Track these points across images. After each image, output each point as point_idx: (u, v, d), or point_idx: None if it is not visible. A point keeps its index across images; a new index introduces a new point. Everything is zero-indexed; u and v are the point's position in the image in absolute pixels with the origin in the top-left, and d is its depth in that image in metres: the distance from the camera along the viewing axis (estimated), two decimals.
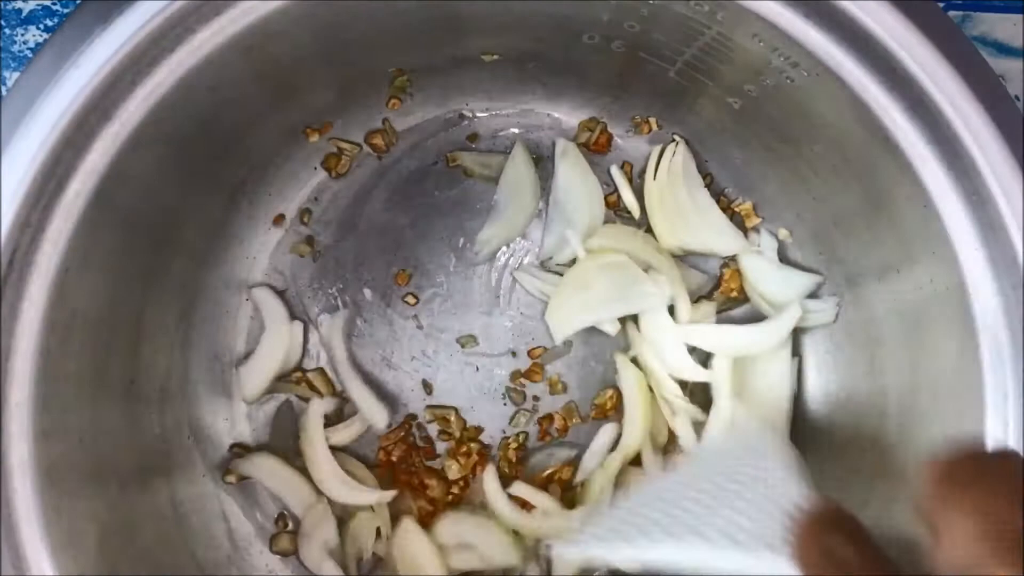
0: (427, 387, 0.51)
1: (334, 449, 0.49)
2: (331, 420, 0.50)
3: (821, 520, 0.28)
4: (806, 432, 0.49)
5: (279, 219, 0.51)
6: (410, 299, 0.51)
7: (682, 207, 0.49)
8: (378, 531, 0.49)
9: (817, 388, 0.49)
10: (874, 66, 0.35)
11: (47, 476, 0.35)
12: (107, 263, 0.38)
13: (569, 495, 0.50)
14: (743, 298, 0.51)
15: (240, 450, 0.50)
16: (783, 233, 0.50)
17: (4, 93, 0.45)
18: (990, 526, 0.23)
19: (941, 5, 0.51)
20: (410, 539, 0.48)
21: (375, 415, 0.50)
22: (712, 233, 0.50)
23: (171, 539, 0.45)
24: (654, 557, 0.31)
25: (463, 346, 0.51)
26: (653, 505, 0.33)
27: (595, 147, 0.52)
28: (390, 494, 0.48)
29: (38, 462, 0.34)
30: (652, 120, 0.51)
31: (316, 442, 0.49)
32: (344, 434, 0.50)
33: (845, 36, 0.35)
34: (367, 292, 0.51)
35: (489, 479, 0.49)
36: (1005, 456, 0.24)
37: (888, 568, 0.25)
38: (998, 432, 0.34)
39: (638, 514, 0.33)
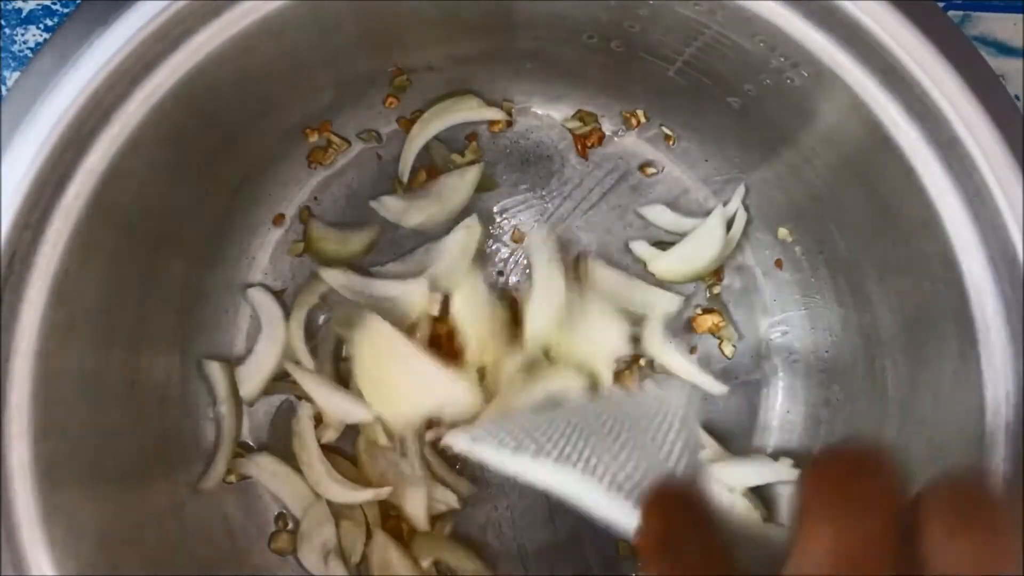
0: None
1: (327, 449, 0.49)
2: (320, 419, 0.50)
3: (677, 493, 0.28)
4: (803, 435, 0.49)
5: (279, 219, 0.51)
6: None
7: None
8: (368, 532, 0.49)
9: (817, 390, 0.49)
10: (874, 66, 0.35)
11: (47, 476, 0.35)
12: (107, 264, 0.38)
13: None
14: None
15: (240, 450, 0.50)
16: (783, 233, 0.50)
17: (4, 93, 0.45)
18: (842, 541, 0.22)
19: (941, 5, 0.51)
20: (387, 551, 0.49)
21: (356, 412, 0.49)
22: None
23: (171, 539, 0.45)
24: (528, 472, 0.33)
25: None
26: (547, 426, 0.34)
27: (589, 143, 0.52)
28: (386, 490, 0.48)
29: (38, 462, 0.34)
30: (640, 113, 0.51)
31: (308, 444, 0.49)
32: (331, 432, 0.50)
33: (845, 36, 0.35)
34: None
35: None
36: (878, 457, 0.23)
37: (719, 566, 0.25)
38: (998, 436, 0.34)
39: (531, 430, 0.34)
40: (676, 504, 0.27)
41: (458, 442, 0.36)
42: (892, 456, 0.23)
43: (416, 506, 0.49)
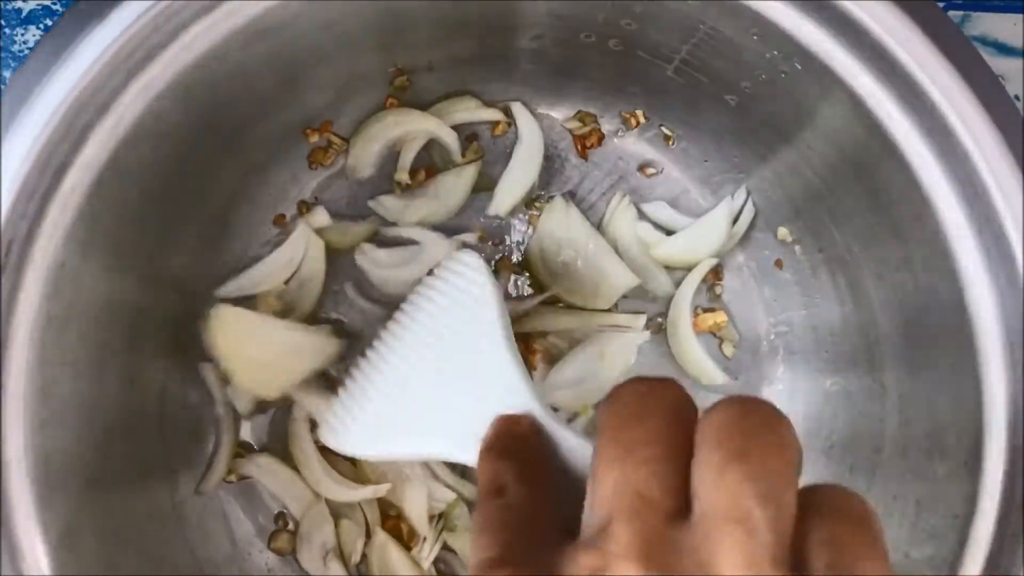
0: None
1: (325, 449, 0.49)
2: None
3: (509, 433, 0.28)
4: (804, 432, 0.49)
5: (279, 219, 0.51)
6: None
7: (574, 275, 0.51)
8: (367, 531, 0.49)
9: (817, 388, 0.49)
10: (872, 64, 0.35)
11: (46, 475, 0.35)
12: (104, 258, 0.38)
13: None
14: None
15: (240, 450, 0.50)
16: (782, 232, 0.50)
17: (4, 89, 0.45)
18: (624, 481, 0.21)
19: (941, 5, 0.51)
20: (387, 551, 0.49)
21: None
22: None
23: (171, 538, 0.45)
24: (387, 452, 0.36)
25: None
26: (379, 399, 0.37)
27: (589, 143, 0.52)
28: (384, 487, 0.48)
29: (35, 454, 0.34)
30: (639, 113, 0.51)
31: (305, 445, 0.49)
32: None
33: (843, 34, 0.35)
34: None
35: None
36: (775, 414, 0.22)
37: (544, 509, 0.24)
38: (996, 433, 0.34)
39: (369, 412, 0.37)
40: (509, 448, 0.27)
41: (327, 441, 0.39)
42: (677, 386, 0.23)
43: (416, 507, 0.49)
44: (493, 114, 0.51)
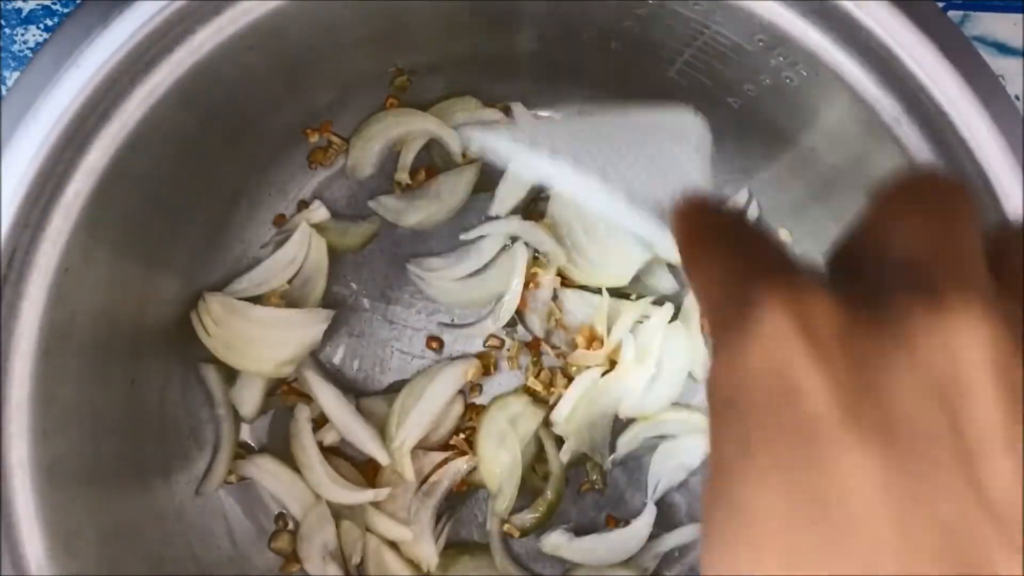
0: None
1: (326, 450, 0.49)
2: (321, 421, 0.50)
3: (707, 204, 0.25)
4: None
5: (280, 219, 0.51)
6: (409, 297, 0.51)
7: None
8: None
9: None
10: (873, 66, 0.35)
11: (47, 476, 0.35)
12: (107, 263, 0.38)
13: None
14: None
15: (240, 451, 0.50)
16: (784, 233, 0.50)
17: (4, 93, 0.45)
18: (939, 241, 0.19)
19: (941, 5, 0.51)
20: (382, 552, 0.49)
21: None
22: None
23: (171, 539, 0.45)
24: (551, 173, 0.32)
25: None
26: (568, 132, 0.33)
27: None
28: (385, 491, 0.48)
29: (38, 462, 0.34)
30: None
31: (307, 447, 0.49)
32: (334, 433, 0.50)
33: (844, 36, 0.35)
34: (367, 290, 0.51)
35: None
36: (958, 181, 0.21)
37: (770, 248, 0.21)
38: None
39: (552, 134, 0.33)
40: (705, 208, 0.24)
41: (478, 136, 0.34)
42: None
43: (425, 548, 0.49)
44: (493, 114, 0.51)
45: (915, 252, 0.19)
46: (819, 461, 0.17)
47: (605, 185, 0.30)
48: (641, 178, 0.30)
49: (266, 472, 0.49)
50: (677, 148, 0.32)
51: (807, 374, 0.18)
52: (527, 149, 0.32)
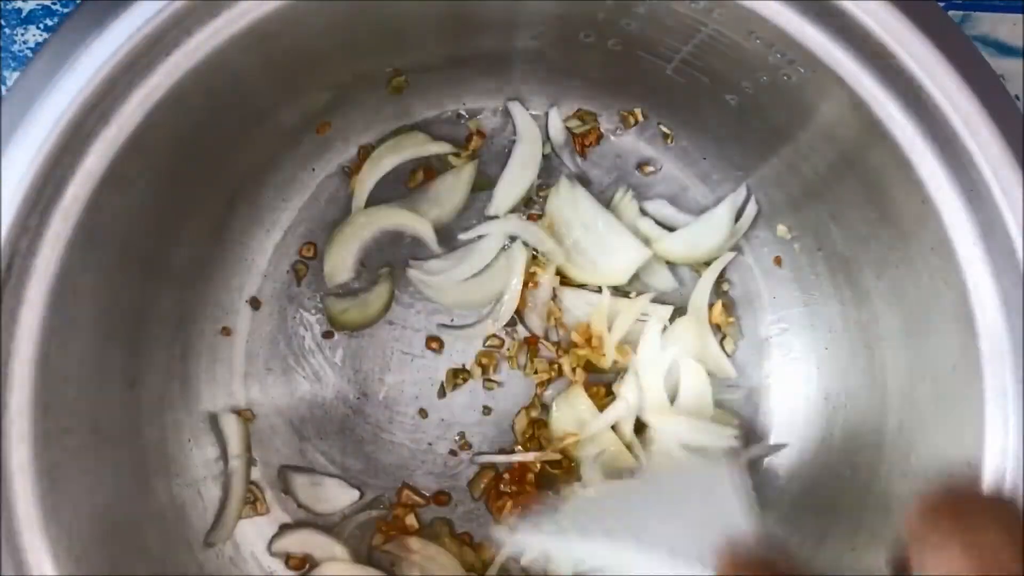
0: (442, 391, 0.51)
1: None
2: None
3: (749, 555, 0.29)
4: (804, 432, 0.49)
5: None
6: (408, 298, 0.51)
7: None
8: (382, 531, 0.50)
9: (817, 387, 0.49)
10: (873, 64, 0.35)
11: (48, 478, 0.35)
12: (106, 267, 0.38)
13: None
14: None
15: (251, 487, 0.50)
16: (782, 230, 0.50)
17: (4, 93, 0.45)
18: (983, 563, 0.21)
19: (941, 5, 0.51)
20: None
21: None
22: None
23: (171, 539, 0.45)
24: (590, 554, 0.34)
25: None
26: (601, 508, 0.36)
27: (587, 142, 0.52)
28: None
29: (39, 465, 0.34)
30: (637, 111, 0.51)
31: None
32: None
33: (844, 34, 0.35)
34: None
35: None
36: (1000, 499, 0.23)
37: None
38: (998, 431, 0.34)
39: (586, 513, 0.35)
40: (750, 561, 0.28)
41: (529, 544, 0.39)
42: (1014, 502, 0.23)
43: None
44: (441, 147, 0.51)
45: None
46: None
47: (641, 551, 0.32)
48: (681, 535, 0.32)
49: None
50: (714, 497, 0.33)
51: None
52: (568, 534, 0.35)
